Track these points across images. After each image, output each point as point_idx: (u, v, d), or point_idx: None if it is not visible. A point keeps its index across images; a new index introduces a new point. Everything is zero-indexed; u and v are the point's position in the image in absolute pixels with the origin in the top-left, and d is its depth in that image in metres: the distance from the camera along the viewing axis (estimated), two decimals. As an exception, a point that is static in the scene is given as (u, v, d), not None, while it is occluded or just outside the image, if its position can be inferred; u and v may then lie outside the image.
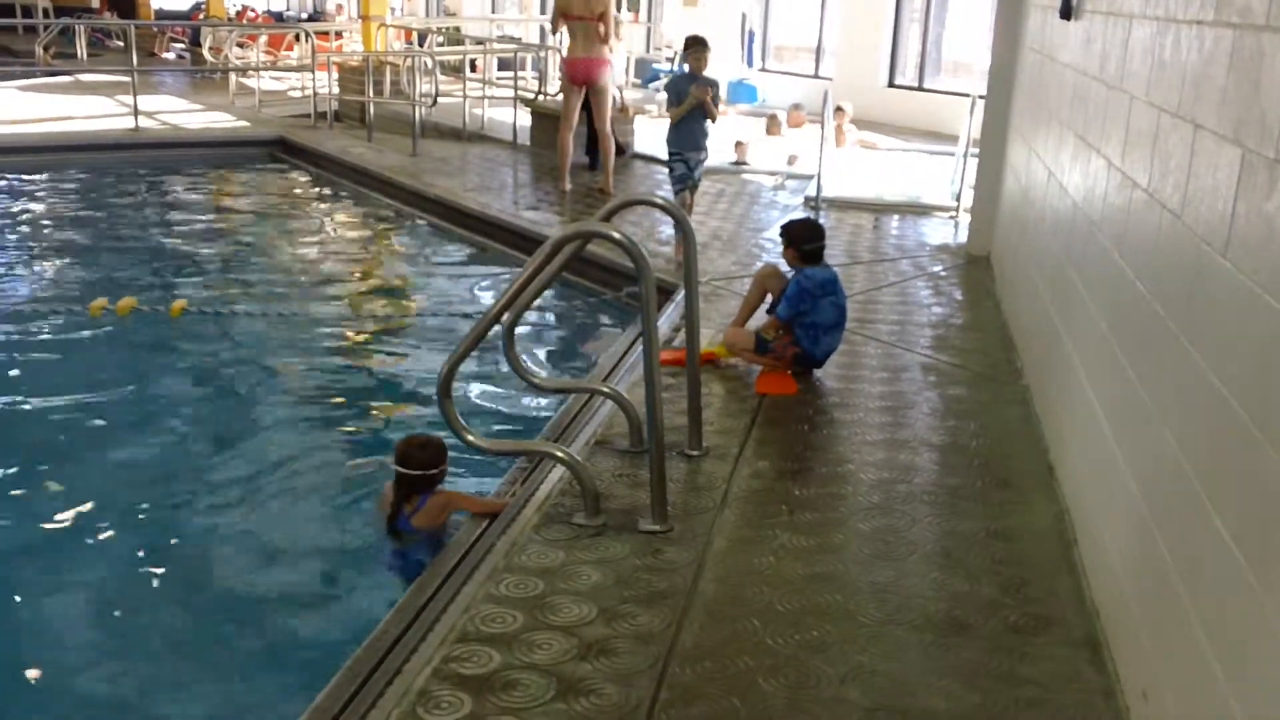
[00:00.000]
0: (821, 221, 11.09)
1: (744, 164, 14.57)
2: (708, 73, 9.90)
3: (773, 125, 17.20)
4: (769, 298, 6.89)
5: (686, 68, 10.03)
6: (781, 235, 6.86)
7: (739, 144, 14.98)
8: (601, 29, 12.11)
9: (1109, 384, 4.36)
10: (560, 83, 13.68)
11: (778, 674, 3.69)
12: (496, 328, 4.96)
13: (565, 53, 12.57)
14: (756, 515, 4.87)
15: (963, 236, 10.62)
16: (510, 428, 7.21)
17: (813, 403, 6.28)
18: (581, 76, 12.28)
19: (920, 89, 19.97)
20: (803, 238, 6.72)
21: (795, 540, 4.63)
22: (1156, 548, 3.40)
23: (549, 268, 5.00)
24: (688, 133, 9.67)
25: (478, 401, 7.54)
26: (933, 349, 7.28)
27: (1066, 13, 6.37)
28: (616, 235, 4.63)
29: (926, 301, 8.52)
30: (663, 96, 20.21)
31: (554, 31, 12.89)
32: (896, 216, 11.81)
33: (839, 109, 15.86)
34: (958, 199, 11.73)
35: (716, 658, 3.78)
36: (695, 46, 9.82)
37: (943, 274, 9.37)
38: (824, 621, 4.02)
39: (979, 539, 4.70)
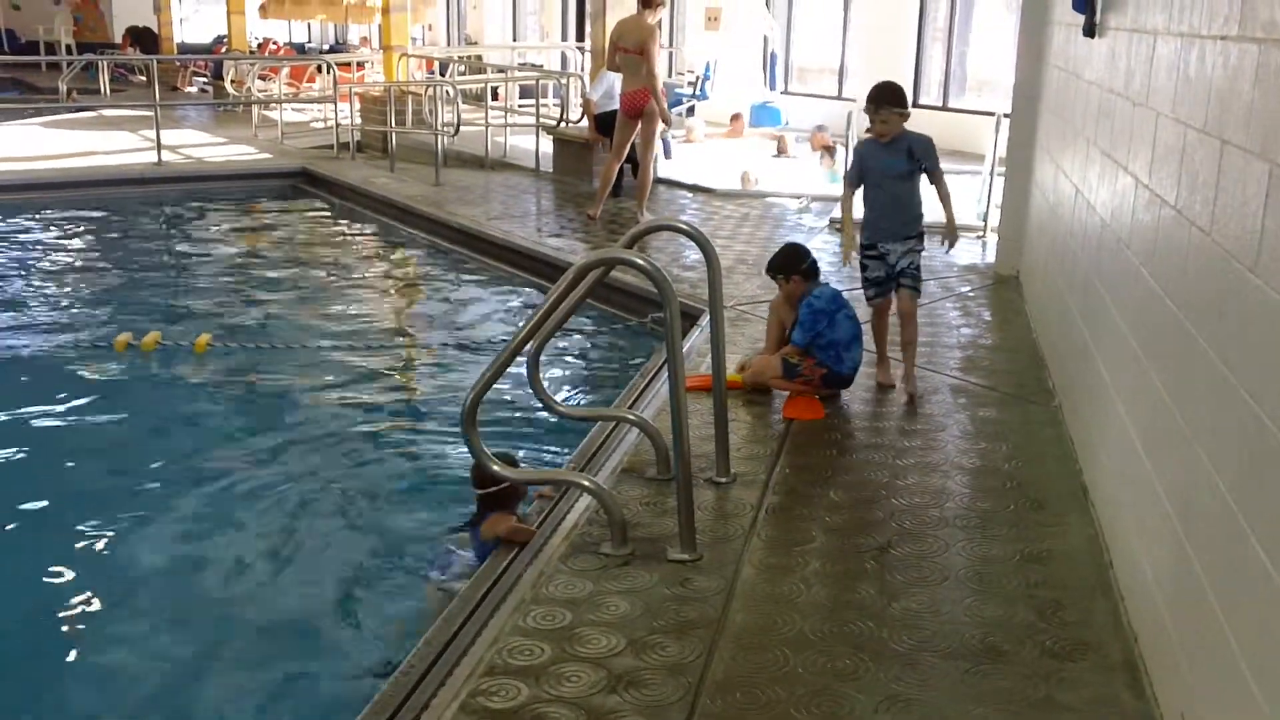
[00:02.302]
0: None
1: (751, 191, 14.48)
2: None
3: (783, 146, 17.19)
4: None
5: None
6: (776, 273, 6.82)
7: (744, 175, 14.94)
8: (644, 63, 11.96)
9: (1141, 403, 4.31)
10: (584, 113, 13.68)
11: (810, 704, 3.64)
12: (521, 356, 4.94)
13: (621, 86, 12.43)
14: (786, 542, 4.82)
15: (990, 256, 10.55)
16: (536, 456, 7.17)
17: (841, 427, 6.24)
18: (624, 109, 12.24)
19: (945, 108, 19.91)
20: (796, 261, 6.76)
21: (825, 567, 4.59)
22: (1192, 568, 3.34)
23: (573, 295, 4.98)
24: (881, 214, 6.85)
25: (503, 430, 7.50)
26: (962, 370, 7.22)
27: (1090, 30, 6.32)
28: (640, 261, 4.62)
29: (955, 323, 8.46)
30: (693, 121, 20.30)
31: (610, 66, 12.75)
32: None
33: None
34: (985, 219, 11.66)
35: (747, 688, 3.73)
36: (875, 104, 6.76)
37: (971, 294, 9.31)
38: (856, 650, 3.97)
39: (1013, 563, 4.64)
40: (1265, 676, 2.72)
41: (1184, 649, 3.42)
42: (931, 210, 6.89)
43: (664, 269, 4.60)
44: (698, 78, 23.06)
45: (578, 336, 9.73)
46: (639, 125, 12.21)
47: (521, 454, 7.20)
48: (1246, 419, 2.94)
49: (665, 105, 12.25)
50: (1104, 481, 4.99)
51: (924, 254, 6.89)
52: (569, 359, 9.41)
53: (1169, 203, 4.07)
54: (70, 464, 7.17)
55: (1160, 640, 3.73)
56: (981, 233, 11.57)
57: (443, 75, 21.80)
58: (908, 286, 6.77)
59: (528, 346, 5.03)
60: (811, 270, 6.73)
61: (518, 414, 7.86)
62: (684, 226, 5.71)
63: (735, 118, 20.34)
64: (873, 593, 4.38)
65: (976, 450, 5.91)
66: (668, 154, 13.54)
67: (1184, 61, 4.07)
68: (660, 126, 12.44)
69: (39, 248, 13.51)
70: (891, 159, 6.74)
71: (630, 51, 11.89)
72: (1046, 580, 4.50)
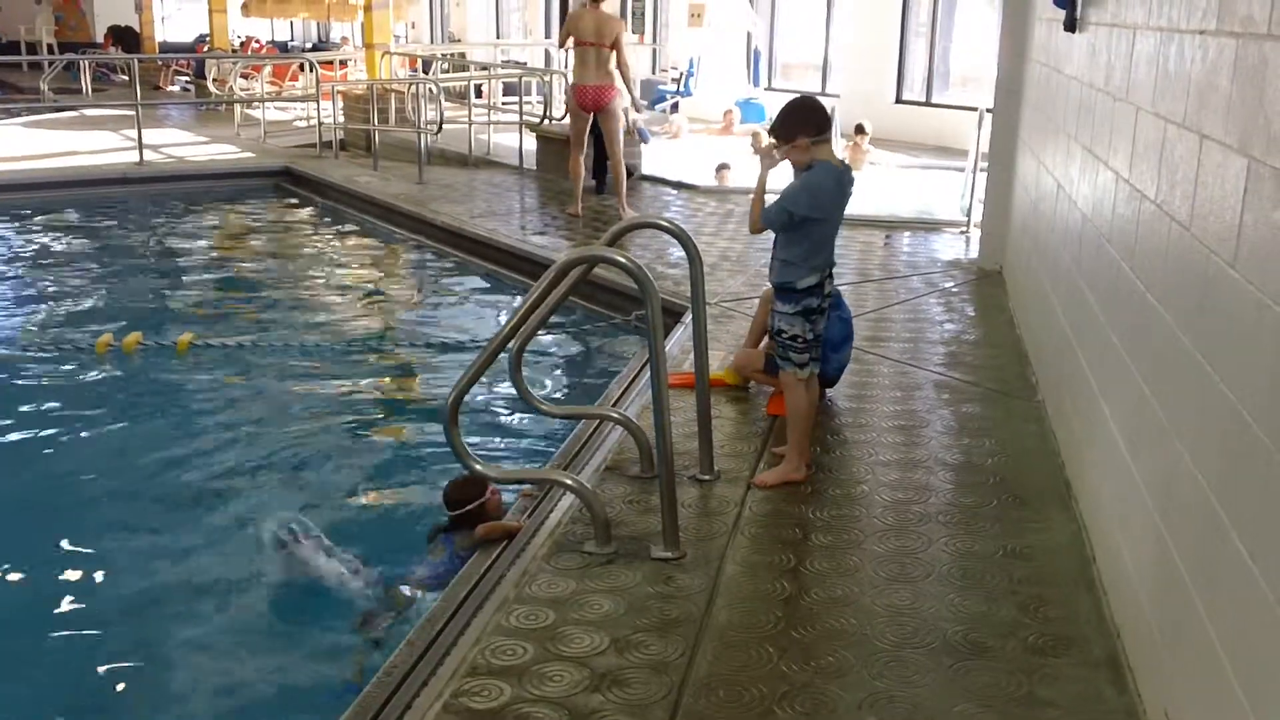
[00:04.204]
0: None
1: (729, 188, 14.45)
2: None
3: (758, 142, 17.18)
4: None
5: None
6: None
7: (721, 169, 14.86)
8: (613, 57, 12.11)
9: (1123, 398, 4.31)
10: (567, 108, 13.58)
11: (793, 701, 3.64)
12: (504, 354, 4.93)
13: (572, 78, 12.58)
14: (769, 539, 4.82)
15: (974, 251, 10.56)
16: (519, 455, 7.16)
17: (825, 423, 6.21)
18: (591, 103, 12.27)
19: (928, 104, 19.94)
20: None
21: (809, 564, 4.58)
22: (1174, 564, 3.35)
23: (555, 293, 4.97)
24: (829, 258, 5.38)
25: (486, 429, 7.49)
26: (945, 366, 7.22)
27: (1071, 25, 6.33)
28: (621, 259, 4.61)
29: (939, 318, 8.46)
30: (678, 119, 20.26)
31: (561, 46, 12.91)
32: (908, 233, 11.75)
33: (860, 128, 15.74)
34: (968, 213, 11.67)
35: (731, 686, 3.73)
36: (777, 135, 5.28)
37: (954, 290, 9.31)
38: (839, 646, 3.97)
39: (996, 559, 4.64)
40: (1245, 672, 2.73)
41: (1167, 644, 3.43)
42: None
43: (647, 266, 4.59)
44: (681, 74, 23.05)
45: (562, 335, 9.71)
46: (593, 118, 12.38)
47: (504, 452, 7.20)
48: (1226, 414, 2.94)
49: (636, 94, 12.72)
50: (1087, 477, 5.00)
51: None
52: (553, 357, 9.39)
53: (1149, 197, 4.08)
54: (49, 467, 7.14)
55: (1143, 635, 3.73)
56: (965, 227, 11.59)
57: (426, 73, 21.75)
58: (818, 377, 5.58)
59: (510, 344, 5.02)
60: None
61: (501, 412, 7.85)
62: (666, 224, 5.70)
63: (727, 114, 20.33)
64: (856, 589, 4.37)
65: (960, 446, 5.91)
66: (645, 139, 13.69)
67: (1163, 56, 4.07)
68: (635, 116, 12.56)
69: (19, 248, 13.45)
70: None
71: (594, 44, 11.98)
72: (1029, 576, 4.50)
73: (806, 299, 5.28)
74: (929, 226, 12.06)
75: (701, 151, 17.34)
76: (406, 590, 5.39)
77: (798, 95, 5.65)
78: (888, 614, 4.19)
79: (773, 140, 5.31)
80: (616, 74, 12.29)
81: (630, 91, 12.41)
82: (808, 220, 5.20)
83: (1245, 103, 2.98)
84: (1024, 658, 3.92)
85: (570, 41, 12.32)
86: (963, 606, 4.25)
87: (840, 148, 14.65)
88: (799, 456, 5.43)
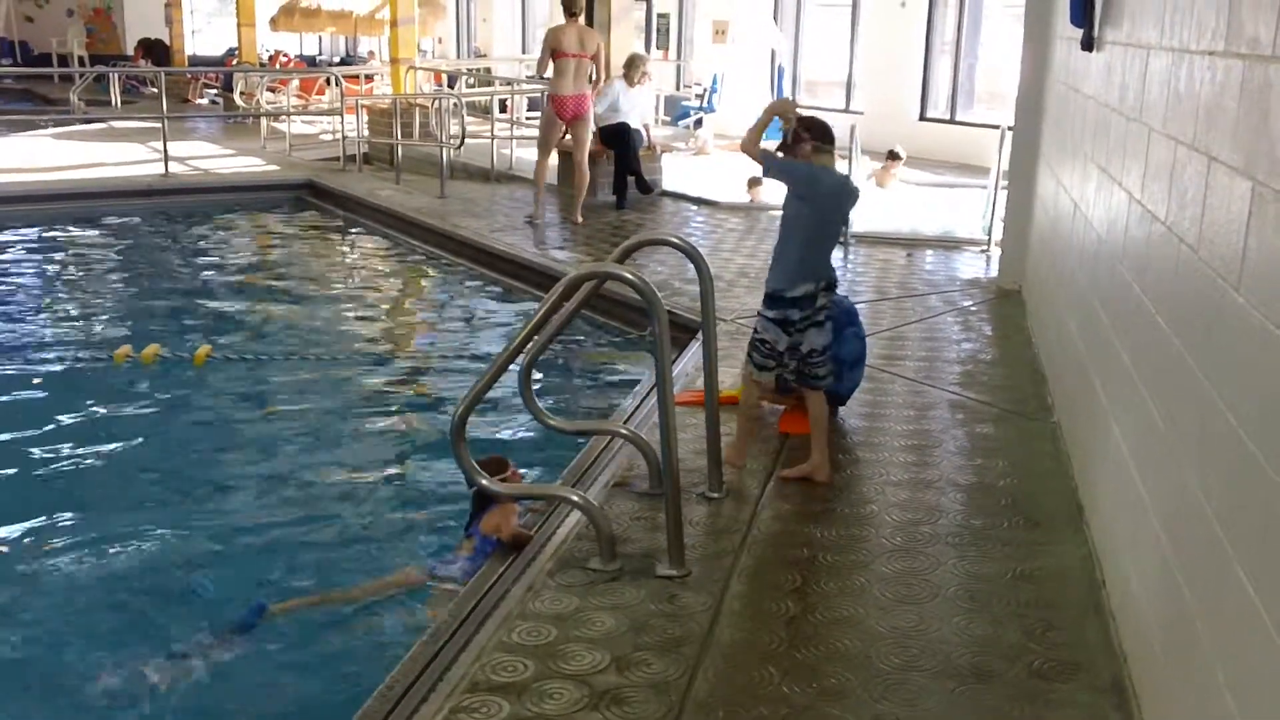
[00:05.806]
0: (851, 257, 11.04)
1: (757, 204, 14.45)
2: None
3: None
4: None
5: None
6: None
7: (753, 183, 14.81)
8: (592, 68, 12.88)
9: (1134, 421, 4.27)
10: (544, 117, 13.70)
11: (794, 723, 3.62)
12: (514, 369, 4.93)
13: (551, 89, 13.15)
14: (776, 558, 4.79)
15: (994, 270, 10.51)
16: (528, 470, 7.14)
17: (836, 442, 6.17)
18: (572, 112, 12.95)
19: (952, 121, 19.88)
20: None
21: (815, 584, 4.56)
22: (1180, 591, 3.31)
23: (565, 308, 4.97)
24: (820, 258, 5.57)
25: (496, 445, 7.47)
26: (961, 386, 7.17)
27: (1088, 44, 6.30)
28: (629, 275, 4.60)
29: (955, 337, 8.41)
30: (704, 134, 20.24)
31: (540, 71, 13.69)
32: (929, 251, 11.71)
33: (894, 155, 15.68)
34: (989, 232, 11.62)
35: (731, 707, 3.70)
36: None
37: (973, 309, 9.27)
38: (843, 668, 3.94)
39: (1005, 581, 4.60)
40: (1247, 702, 2.69)
41: (1172, 671, 3.39)
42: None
43: (665, 282, 4.62)
44: (705, 90, 23.05)
45: (575, 349, 9.69)
46: (570, 126, 13.09)
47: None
48: (1230, 440, 2.90)
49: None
50: (1099, 500, 4.95)
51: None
52: (566, 372, 9.37)
53: (1160, 219, 4.05)
54: (65, 476, 7.15)
55: (1149, 662, 3.69)
56: (985, 246, 11.54)
57: (452, 88, 21.80)
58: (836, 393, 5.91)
59: (519, 360, 5.01)
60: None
61: (511, 427, 7.83)
62: (676, 240, 5.68)
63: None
64: (861, 610, 4.34)
65: (972, 467, 5.86)
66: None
67: (1175, 77, 4.05)
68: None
69: (43, 258, 13.52)
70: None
71: (576, 56, 12.65)
72: (1038, 599, 4.46)
73: (789, 309, 5.43)
74: (950, 245, 12.01)
75: (725, 168, 17.29)
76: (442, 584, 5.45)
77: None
78: (893, 636, 4.16)
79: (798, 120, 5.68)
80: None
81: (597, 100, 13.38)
82: (800, 210, 5.45)
83: (1250, 125, 2.95)
84: (1029, 682, 3.88)
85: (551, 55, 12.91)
86: (969, 629, 4.21)
87: (867, 168, 14.62)
88: (820, 454, 5.57)
